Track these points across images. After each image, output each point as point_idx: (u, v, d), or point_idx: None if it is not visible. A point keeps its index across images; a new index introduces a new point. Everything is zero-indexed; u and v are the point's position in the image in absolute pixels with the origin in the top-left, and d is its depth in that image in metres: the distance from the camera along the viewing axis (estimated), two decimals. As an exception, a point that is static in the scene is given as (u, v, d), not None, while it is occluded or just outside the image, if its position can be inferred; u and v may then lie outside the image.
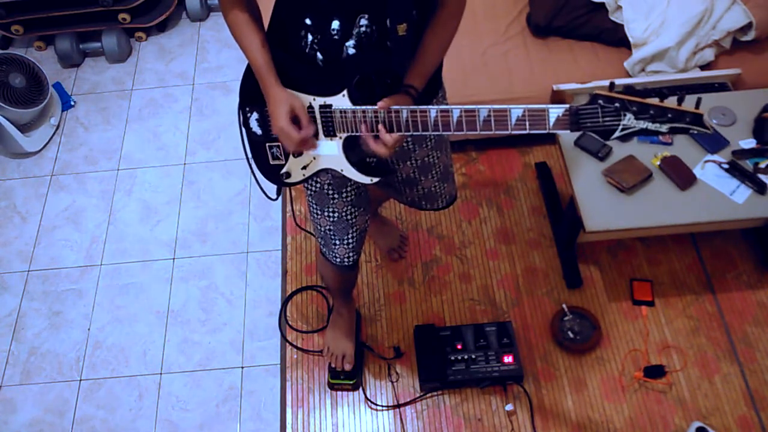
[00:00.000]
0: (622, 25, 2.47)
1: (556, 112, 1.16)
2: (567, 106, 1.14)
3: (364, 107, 1.30)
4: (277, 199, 1.69)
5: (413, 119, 1.27)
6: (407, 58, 1.35)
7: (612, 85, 1.11)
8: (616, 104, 1.10)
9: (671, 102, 1.08)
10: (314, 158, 1.44)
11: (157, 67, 3.15)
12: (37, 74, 2.84)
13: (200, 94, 3.03)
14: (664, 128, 1.08)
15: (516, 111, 1.18)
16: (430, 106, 1.26)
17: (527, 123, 1.19)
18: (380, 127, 1.29)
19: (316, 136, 1.39)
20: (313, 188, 1.61)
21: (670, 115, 1.07)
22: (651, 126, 1.09)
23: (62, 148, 2.89)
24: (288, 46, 1.37)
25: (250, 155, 1.54)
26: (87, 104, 3.03)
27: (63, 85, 3.07)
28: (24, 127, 2.83)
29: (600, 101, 1.11)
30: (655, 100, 1.09)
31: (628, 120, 1.10)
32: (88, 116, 2.99)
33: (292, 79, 1.36)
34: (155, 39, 3.27)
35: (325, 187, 1.59)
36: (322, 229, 1.70)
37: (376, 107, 1.28)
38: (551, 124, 1.17)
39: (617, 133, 1.12)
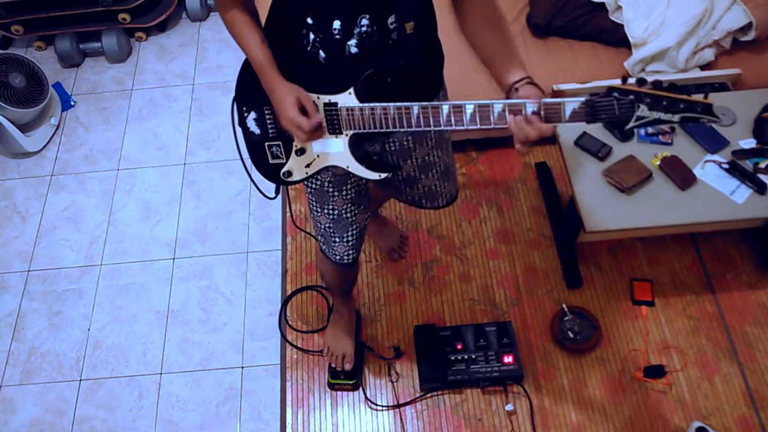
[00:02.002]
0: (622, 25, 2.47)
1: (572, 104, 1.18)
2: (583, 98, 1.18)
3: (372, 104, 1.30)
4: (275, 197, 1.69)
5: (424, 115, 1.28)
6: (415, 56, 1.35)
7: (624, 78, 1.15)
8: (631, 96, 1.13)
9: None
10: (318, 156, 1.44)
11: (157, 67, 3.15)
12: (37, 74, 2.83)
13: (200, 94, 3.03)
14: (676, 118, 1.12)
15: (531, 105, 1.20)
16: (441, 102, 1.27)
17: (542, 115, 1.21)
18: (533, 117, 1.23)
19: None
20: (314, 186, 1.61)
21: (682, 106, 1.11)
22: (664, 116, 1.12)
23: (62, 148, 2.89)
24: (290, 44, 1.37)
25: (246, 155, 1.54)
26: (87, 104, 3.03)
27: (63, 85, 3.07)
28: (24, 127, 2.83)
29: (615, 93, 1.14)
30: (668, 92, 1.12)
31: (642, 111, 1.13)
32: (88, 116, 2.99)
33: (294, 78, 1.35)
34: (155, 39, 3.27)
35: (326, 184, 1.59)
36: (322, 226, 1.70)
37: (383, 105, 1.29)
38: (567, 116, 1.19)
39: (632, 123, 1.15)
